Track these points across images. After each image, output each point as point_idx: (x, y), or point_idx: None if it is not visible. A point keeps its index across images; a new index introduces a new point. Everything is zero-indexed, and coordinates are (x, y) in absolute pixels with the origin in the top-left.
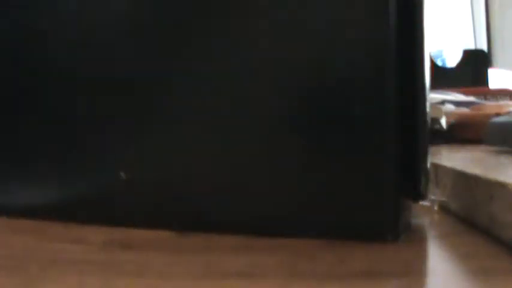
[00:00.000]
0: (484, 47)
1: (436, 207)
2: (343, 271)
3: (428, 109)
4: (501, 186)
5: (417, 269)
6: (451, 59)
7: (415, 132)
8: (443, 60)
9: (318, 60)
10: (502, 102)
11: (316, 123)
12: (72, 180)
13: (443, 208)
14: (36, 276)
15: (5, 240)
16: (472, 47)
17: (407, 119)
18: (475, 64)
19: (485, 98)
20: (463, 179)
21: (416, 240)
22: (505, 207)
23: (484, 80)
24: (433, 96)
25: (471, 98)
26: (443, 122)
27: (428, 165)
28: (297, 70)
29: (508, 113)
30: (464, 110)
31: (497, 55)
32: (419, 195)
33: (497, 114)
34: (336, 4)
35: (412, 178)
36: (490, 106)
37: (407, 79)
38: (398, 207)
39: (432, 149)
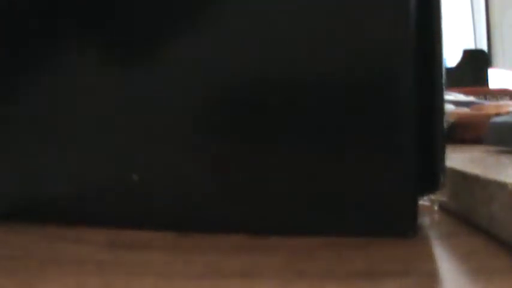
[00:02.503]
0: (484, 47)
1: (436, 207)
2: (343, 271)
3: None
4: (501, 186)
5: (417, 269)
6: (451, 59)
7: (434, 129)
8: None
9: (337, 60)
10: (502, 102)
11: (334, 121)
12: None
13: (443, 208)
14: (36, 276)
15: (5, 240)
16: (472, 47)
17: (425, 115)
18: (475, 64)
19: (485, 98)
20: (462, 179)
21: (416, 240)
22: (505, 207)
23: (484, 80)
24: None
25: (471, 98)
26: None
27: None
28: (315, 70)
29: (508, 113)
30: (464, 110)
31: (497, 55)
32: (433, 189)
33: (497, 114)
34: (355, 4)
35: (428, 173)
36: (490, 106)
37: (425, 77)
38: (417, 204)
39: None
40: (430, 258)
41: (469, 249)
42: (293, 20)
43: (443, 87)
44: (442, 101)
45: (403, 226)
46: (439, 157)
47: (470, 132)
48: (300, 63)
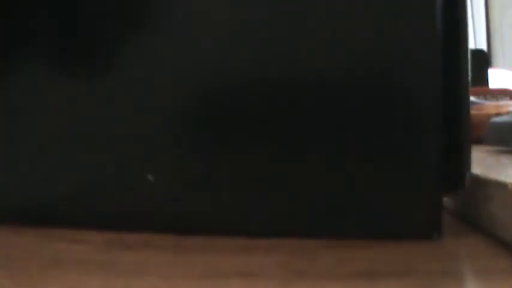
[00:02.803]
0: (484, 47)
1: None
2: (343, 271)
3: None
4: (501, 186)
5: (417, 269)
6: None
7: (459, 128)
8: None
9: (365, 59)
10: (502, 102)
11: (360, 121)
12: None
13: (443, 208)
14: (36, 276)
15: (5, 240)
16: (472, 47)
17: (451, 116)
18: (475, 64)
19: (485, 98)
20: None
21: (416, 240)
22: (505, 207)
23: (484, 80)
24: None
25: (471, 98)
26: None
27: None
28: (342, 70)
29: (508, 113)
30: None
31: (497, 55)
32: (459, 188)
33: (497, 114)
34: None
35: (453, 172)
36: (490, 106)
37: (451, 76)
38: (441, 205)
39: None
40: (430, 258)
41: (469, 249)
42: (325, 28)
43: (469, 87)
44: (468, 101)
45: (428, 228)
46: (464, 156)
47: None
48: (333, 69)
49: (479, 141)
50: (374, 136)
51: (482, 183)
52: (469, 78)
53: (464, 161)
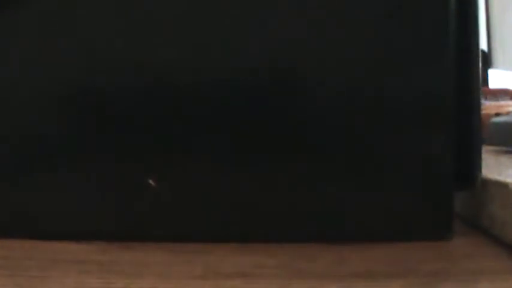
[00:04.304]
0: (484, 47)
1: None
2: (343, 271)
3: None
4: (501, 186)
5: (417, 269)
6: None
7: (471, 130)
8: None
9: (375, 57)
10: (502, 102)
11: (370, 122)
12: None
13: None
14: (36, 276)
15: (5, 240)
16: None
17: (464, 119)
18: None
19: (485, 98)
20: None
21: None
22: (505, 207)
23: (484, 80)
24: None
25: None
26: None
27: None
28: (351, 69)
29: (508, 113)
30: None
31: (497, 55)
32: (470, 187)
33: (497, 114)
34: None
35: (465, 172)
36: (490, 106)
37: (463, 81)
38: (453, 206)
39: None
40: (430, 258)
41: (469, 249)
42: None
43: (480, 92)
44: (479, 102)
45: (441, 229)
46: (475, 156)
47: None
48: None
49: (483, 140)
50: (385, 137)
51: (482, 183)
52: (480, 79)
53: (475, 161)
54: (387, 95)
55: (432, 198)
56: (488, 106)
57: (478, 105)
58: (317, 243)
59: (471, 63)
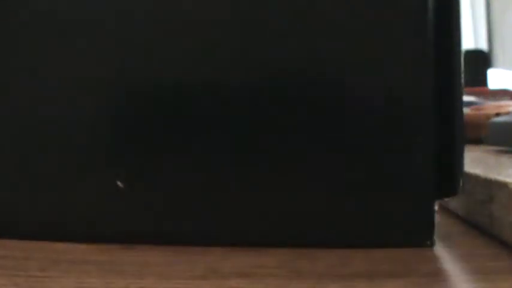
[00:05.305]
0: (484, 47)
1: (436, 207)
2: (343, 271)
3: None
4: (501, 186)
5: (417, 270)
6: None
7: (452, 133)
8: None
9: (355, 60)
10: (502, 102)
11: (348, 126)
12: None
13: (443, 208)
14: (36, 276)
15: (5, 240)
16: (472, 47)
17: (445, 122)
18: (475, 64)
19: (485, 98)
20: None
21: None
22: (505, 207)
23: (484, 80)
24: None
25: (471, 98)
26: None
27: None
28: (333, 72)
29: (508, 113)
30: (464, 110)
31: (497, 55)
32: (452, 193)
33: (497, 114)
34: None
35: (447, 178)
36: (490, 106)
37: (444, 77)
38: (434, 213)
39: None
40: (430, 258)
41: (469, 249)
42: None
43: (462, 93)
44: (460, 105)
45: (422, 236)
46: (457, 162)
47: (470, 132)
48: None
49: (479, 141)
50: (363, 142)
51: (482, 183)
52: (462, 79)
53: (457, 168)
54: (363, 97)
55: (412, 205)
56: (488, 106)
57: (460, 106)
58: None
59: (453, 64)
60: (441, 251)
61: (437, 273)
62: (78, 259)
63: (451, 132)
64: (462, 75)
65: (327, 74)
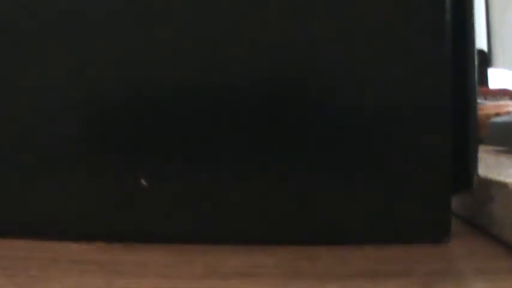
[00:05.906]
0: (484, 47)
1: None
2: (343, 271)
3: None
4: (501, 186)
5: (417, 269)
6: None
7: (467, 131)
8: None
9: (373, 63)
10: (502, 102)
11: (367, 125)
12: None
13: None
14: (36, 276)
15: (5, 240)
16: None
17: (460, 122)
18: None
19: (485, 98)
20: None
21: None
22: (505, 207)
23: (484, 80)
24: None
25: None
26: None
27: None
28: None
29: (508, 113)
30: None
31: (497, 55)
32: (466, 189)
33: (497, 114)
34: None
35: (461, 175)
36: (490, 106)
37: (459, 78)
38: (451, 209)
39: None
40: (430, 258)
41: (469, 249)
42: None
43: (477, 88)
44: (475, 105)
45: (440, 232)
46: (472, 159)
47: None
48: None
49: (479, 141)
50: (382, 141)
51: (482, 183)
52: (476, 79)
53: (472, 163)
54: (384, 97)
55: (430, 201)
56: (488, 106)
57: (475, 106)
58: (317, 245)
59: (467, 63)
60: (441, 250)
61: (437, 273)
62: (78, 259)
63: (466, 131)
64: (475, 74)
65: (342, 73)
